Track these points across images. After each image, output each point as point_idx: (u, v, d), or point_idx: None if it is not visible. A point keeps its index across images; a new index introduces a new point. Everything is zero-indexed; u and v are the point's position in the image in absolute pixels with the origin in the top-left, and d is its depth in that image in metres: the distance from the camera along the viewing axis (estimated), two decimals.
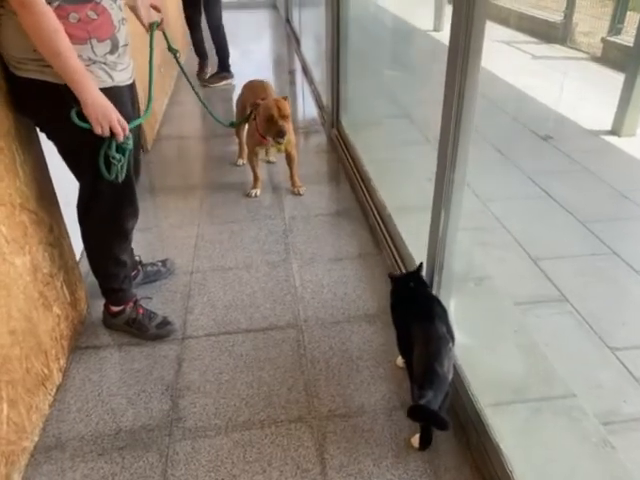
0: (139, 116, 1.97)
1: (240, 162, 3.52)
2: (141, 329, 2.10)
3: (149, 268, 2.41)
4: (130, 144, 1.72)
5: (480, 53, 1.47)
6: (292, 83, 5.46)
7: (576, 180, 3.25)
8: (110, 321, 2.14)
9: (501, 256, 2.64)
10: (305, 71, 5.54)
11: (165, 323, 2.13)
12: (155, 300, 2.28)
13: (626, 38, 3.52)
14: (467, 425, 1.68)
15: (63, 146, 1.75)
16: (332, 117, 3.94)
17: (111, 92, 1.65)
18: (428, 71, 4.21)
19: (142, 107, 2.02)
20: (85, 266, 2.15)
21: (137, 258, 2.38)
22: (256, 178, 3.16)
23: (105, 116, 1.59)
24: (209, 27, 4.96)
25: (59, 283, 1.99)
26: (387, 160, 3.33)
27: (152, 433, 1.73)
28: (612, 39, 3.85)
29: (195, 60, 5.32)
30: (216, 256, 2.63)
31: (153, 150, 3.83)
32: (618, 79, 3.24)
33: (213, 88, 5.15)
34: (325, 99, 4.16)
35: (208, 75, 5.25)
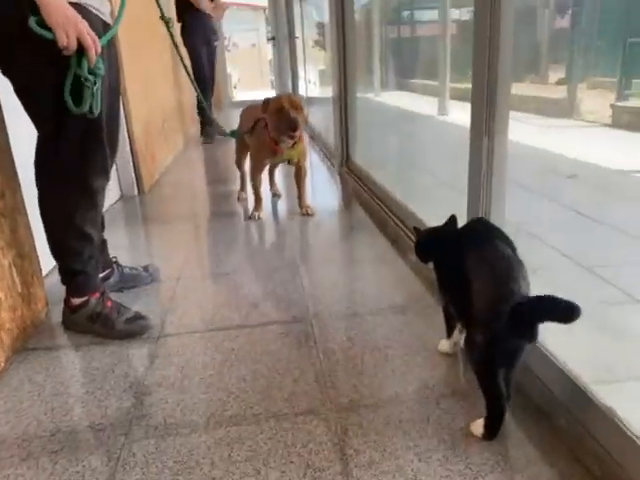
0: (118, 84, 1.69)
1: (243, 196, 3.21)
2: (106, 324, 1.65)
3: (127, 270, 2.00)
4: (102, 69, 1.42)
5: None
6: None
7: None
8: (70, 319, 1.70)
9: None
10: (312, 136, 5.46)
11: (137, 318, 1.68)
12: (129, 304, 1.83)
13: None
14: (553, 407, 1.17)
15: (20, 77, 1.44)
16: (342, 156, 3.71)
17: (77, 9, 1.38)
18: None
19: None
20: (50, 280, 1.76)
21: (113, 258, 1.99)
22: (259, 199, 2.83)
23: (70, 22, 1.30)
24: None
25: (6, 262, 1.59)
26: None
27: (102, 433, 1.23)
28: (621, 104, 3.74)
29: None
30: (209, 265, 2.22)
31: (150, 193, 3.55)
32: (632, 134, 3.12)
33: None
34: (333, 142, 3.97)
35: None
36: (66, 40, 1.30)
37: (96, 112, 1.43)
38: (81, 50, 1.34)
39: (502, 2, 1.31)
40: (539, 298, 1.01)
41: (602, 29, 3.44)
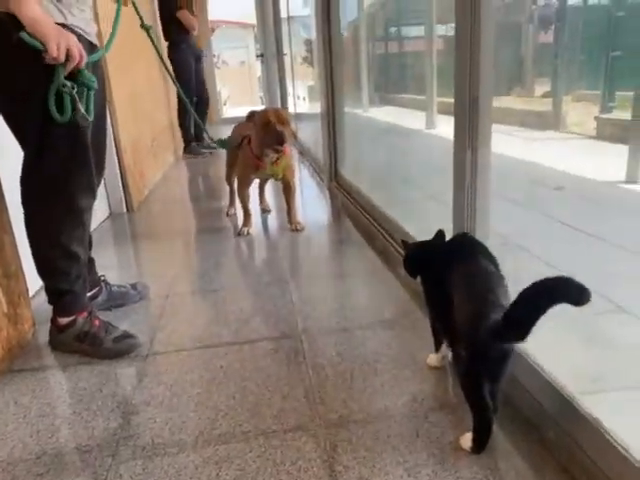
0: (104, 104, 1.71)
1: (232, 211, 3.22)
2: (94, 343, 1.63)
3: (115, 289, 1.99)
4: (95, 82, 1.43)
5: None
6: None
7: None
8: (57, 339, 1.68)
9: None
10: (301, 152, 5.49)
11: (125, 336, 1.67)
12: (117, 322, 1.82)
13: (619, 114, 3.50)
14: (542, 419, 1.17)
15: (4, 93, 1.44)
16: (330, 171, 3.73)
17: (64, 29, 1.39)
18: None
19: None
20: (37, 300, 1.75)
21: (101, 277, 1.98)
22: (247, 215, 2.83)
23: (62, 35, 1.32)
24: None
25: None
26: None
27: (88, 455, 1.21)
28: (605, 116, 3.80)
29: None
30: (199, 281, 2.22)
31: (139, 210, 3.54)
32: (615, 146, 3.18)
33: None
34: (322, 157, 3.99)
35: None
36: (57, 51, 1.31)
37: (90, 118, 1.43)
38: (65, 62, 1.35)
39: (482, 18, 1.33)
40: (554, 279, 0.95)
41: (585, 43, 3.51)
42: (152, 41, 1.91)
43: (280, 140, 2.44)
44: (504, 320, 0.99)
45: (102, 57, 1.63)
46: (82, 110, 1.40)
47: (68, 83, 1.36)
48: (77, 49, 1.35)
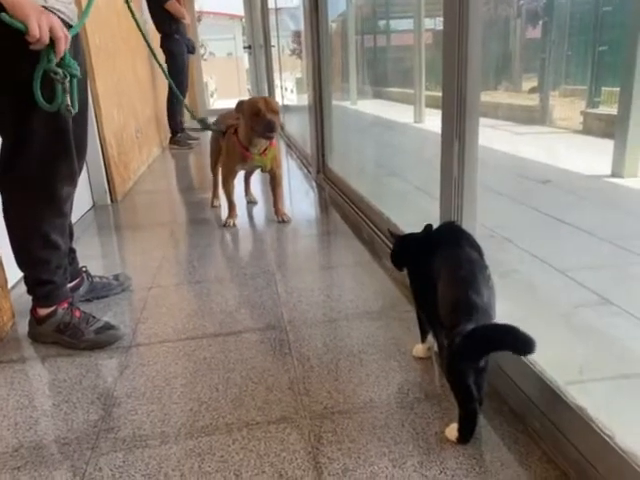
0: (86, 89, 1.66)
1: (216, 203, 3.18)
2: (75, 335, 1.60)
3: (97, 280, 1.95)
4: (78, 70, 1.38)
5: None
6: None
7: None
8: (36, 330, 1.65)
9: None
10: (289, 144, 5.46)
11: (107, 328, 1.64)
12: (99, 314, 1.79)
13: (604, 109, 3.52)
14: (527, 410, 1.17)
15: None
16: (317, 164, 3.70)
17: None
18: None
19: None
20: (17, 292, 1.73)
21: (83, 268, 1.94)
22: (232, 207, 2.80)
23: (41, 14, 1.27)
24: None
25: None
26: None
27: (67, 447, 1.19)
28: (591, 111, 3.83)
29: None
30: (182, 273, 2.18)
31: (123, 201, 3.49)
32: (601, 141, 3.20)
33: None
34: (310, 149, 3.96)
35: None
36: (39, 32, 1.26)
37: (74, 110, 1.39)
38: (51, 45, 1.31)
39: (470, 11, 1.32)
40: (495, 326, 1.02)
41: (572, 39, 3.51)
42: (133, 17, 1.86)
43: (270, 128, 2.41)
44: (462, 341, 1.00)
45: (82, 38, 1.58)
46: (68, 100, 1.36)
47: (60, 71, 1.32)
48: (61, 29, 1.30)
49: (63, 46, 1.31)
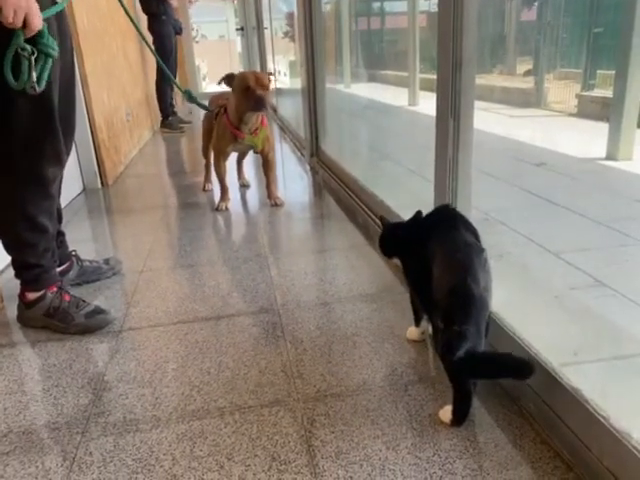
0: (73, 66, 1.61)
1: (208, 187, 3.15)
2: (65, 319, 1.58)
3: (87, 264, 1.93)
4: (55, 50, 1.34)
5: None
6: None
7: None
8: (25, 314, 1.62)
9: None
10: (282, 127, 5.41)
11: (97, 312, 1.62)
12: (89, 298, 1.76)
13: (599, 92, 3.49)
14: (521, 392, 1.16)
15: None
16: (311, 147, 3.66)
17: None
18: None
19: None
20: (5, 276, 1.69)
21: (72, 252, 1.91)
22: (225, 190, 2.76)
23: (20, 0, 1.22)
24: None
25: None
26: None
27: (57, 432, 1.17)
28: (586, 94, 3.80)
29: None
30: (174, 257, 2.16)
31: (114, 185, 3.45)
32: (596, 124, 3.18)
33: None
34: (303, 133, 3.92)
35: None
36: (12, 17, 1.22)
37: (38, 88, 1.33)
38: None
39: None
40: (492, 355, 1.09)
41: (567, 21, 3.47)
42: (122, 3, 1.81)
43: (260, 105, 2.37)
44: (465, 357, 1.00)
45: (67, 15, 1.54)
46: (34, 78, 1.31)
47: (28, 47, 1.27)
48: (38, 18, 1.26)
49: (33, 31, 1.26)
